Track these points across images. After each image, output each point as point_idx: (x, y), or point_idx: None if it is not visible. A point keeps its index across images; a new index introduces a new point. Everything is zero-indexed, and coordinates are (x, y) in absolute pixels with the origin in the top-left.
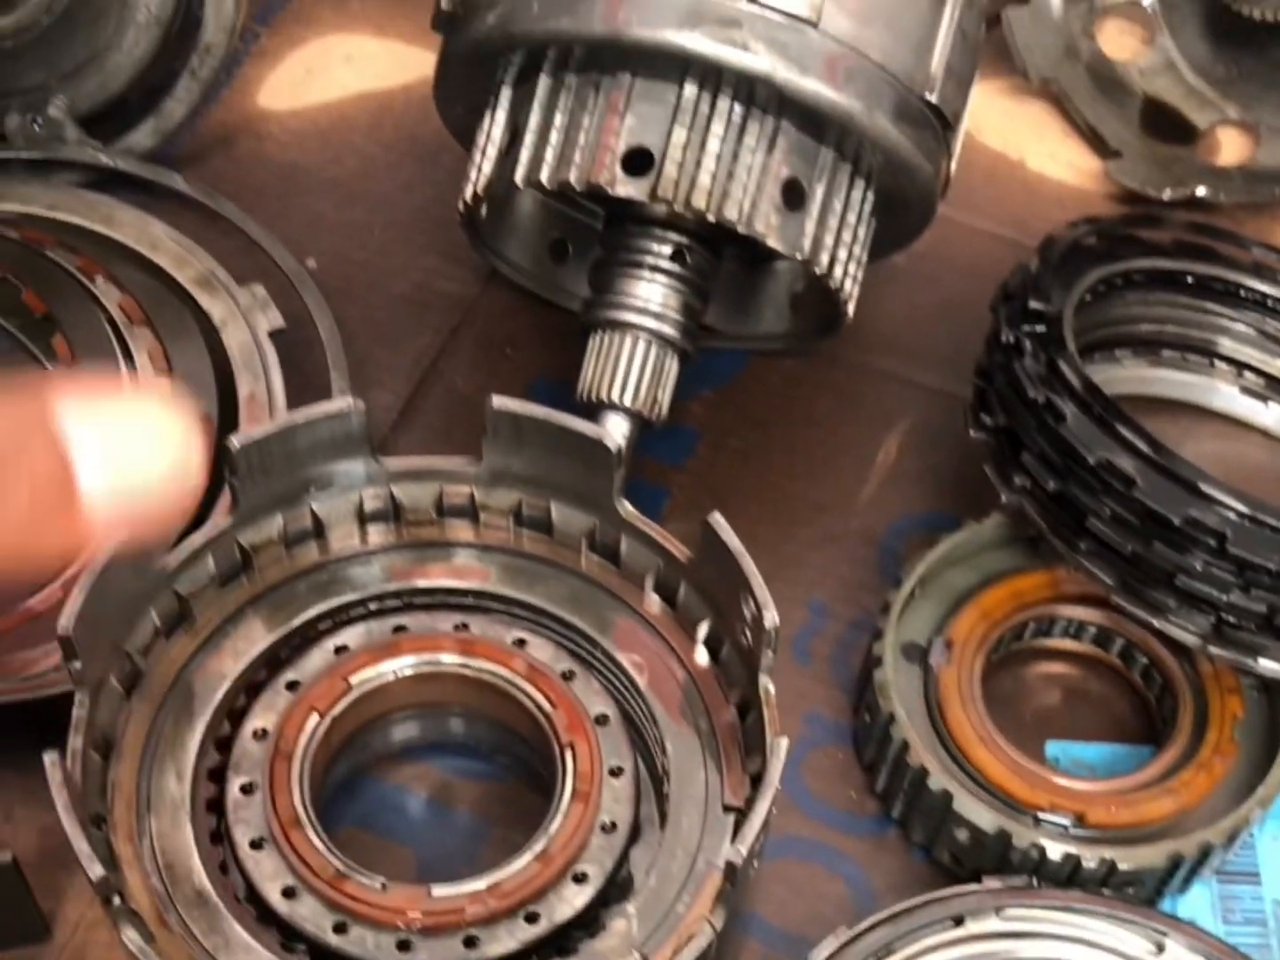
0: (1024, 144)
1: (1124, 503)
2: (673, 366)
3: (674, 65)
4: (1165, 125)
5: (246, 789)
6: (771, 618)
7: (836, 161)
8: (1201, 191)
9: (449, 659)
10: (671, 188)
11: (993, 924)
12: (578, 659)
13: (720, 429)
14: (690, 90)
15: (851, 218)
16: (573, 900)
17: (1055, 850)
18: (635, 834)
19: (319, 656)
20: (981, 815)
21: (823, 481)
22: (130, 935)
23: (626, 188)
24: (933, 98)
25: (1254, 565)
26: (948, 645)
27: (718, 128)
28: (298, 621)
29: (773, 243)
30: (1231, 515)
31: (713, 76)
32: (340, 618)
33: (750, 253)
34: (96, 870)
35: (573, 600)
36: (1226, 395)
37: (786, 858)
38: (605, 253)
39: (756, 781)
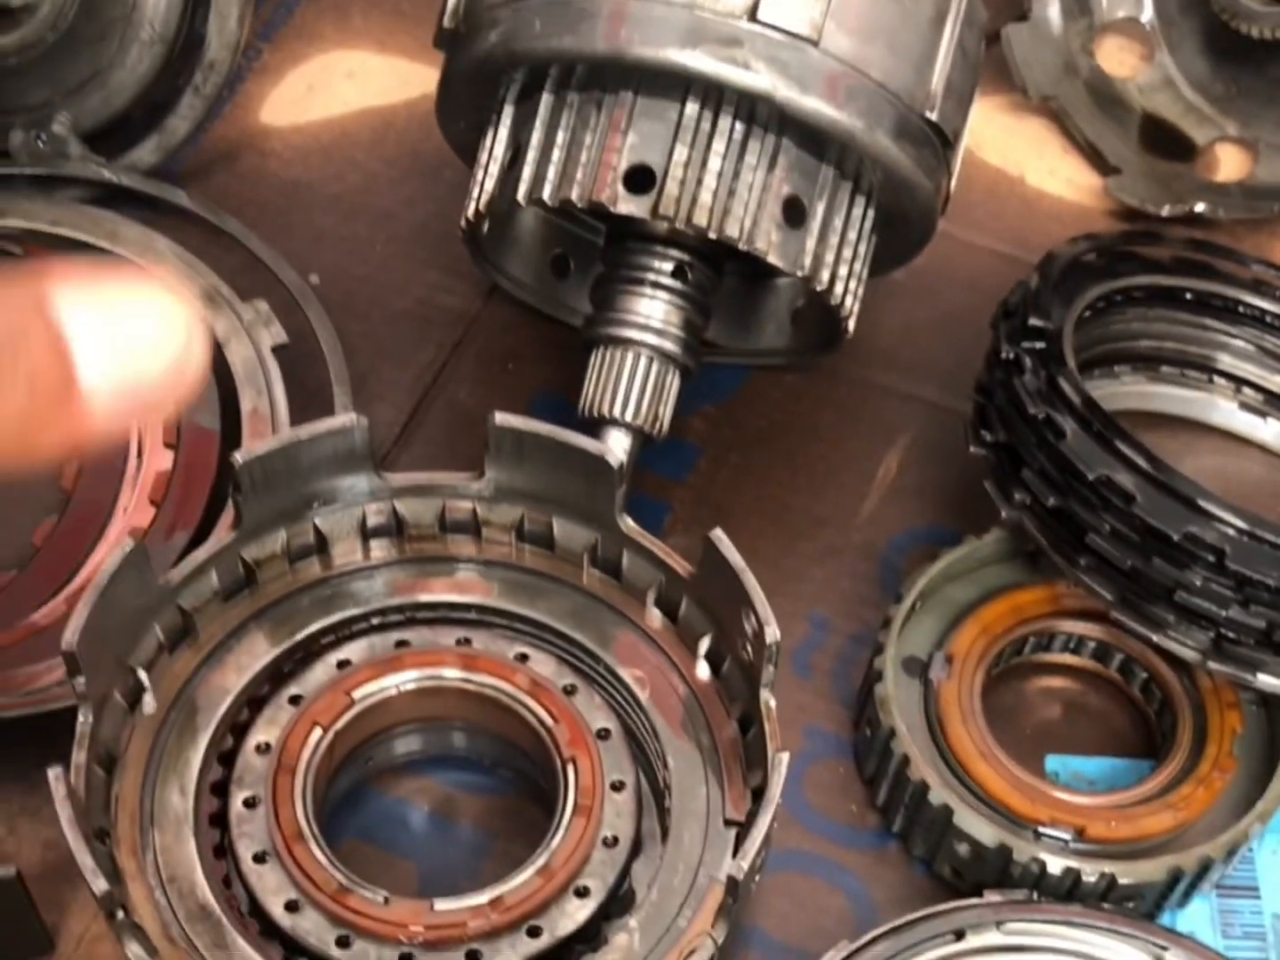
0: (1024, 160)
1: (1123, 518)
2: (674, 382)
3: (676, 84)
4: (1164, 142)
5: (249, 803)
6: (773, 633)
7: (837, 179)
8: (1200, 208)
9: (451, 674)
10: (673, 205)
11: (993, 938)
12: (579, 674)
13: (721, 444)
14: (692, 108)
15: (852, 235)
16: (575, 914)
17: (1055, 864)
18: (637, 848)
19: (322, 671)
20: (982, 829)
21: (824, 496)
22: (134, 949)
23: (628, 205)
24: (933, 115)
25: (1253, 581)
26: (948, 660)
27: (719, 145)
28: (300, 636)
29: (773, 260)
30: (1230, 531)
31: (714, 95)
32: (343, 632)
33: (751, 269)
34: (100, 884)
35: (574, 615)
36: (1225, 411)
37: (788, 871)
38: (607, 269)
39: (758, 796)
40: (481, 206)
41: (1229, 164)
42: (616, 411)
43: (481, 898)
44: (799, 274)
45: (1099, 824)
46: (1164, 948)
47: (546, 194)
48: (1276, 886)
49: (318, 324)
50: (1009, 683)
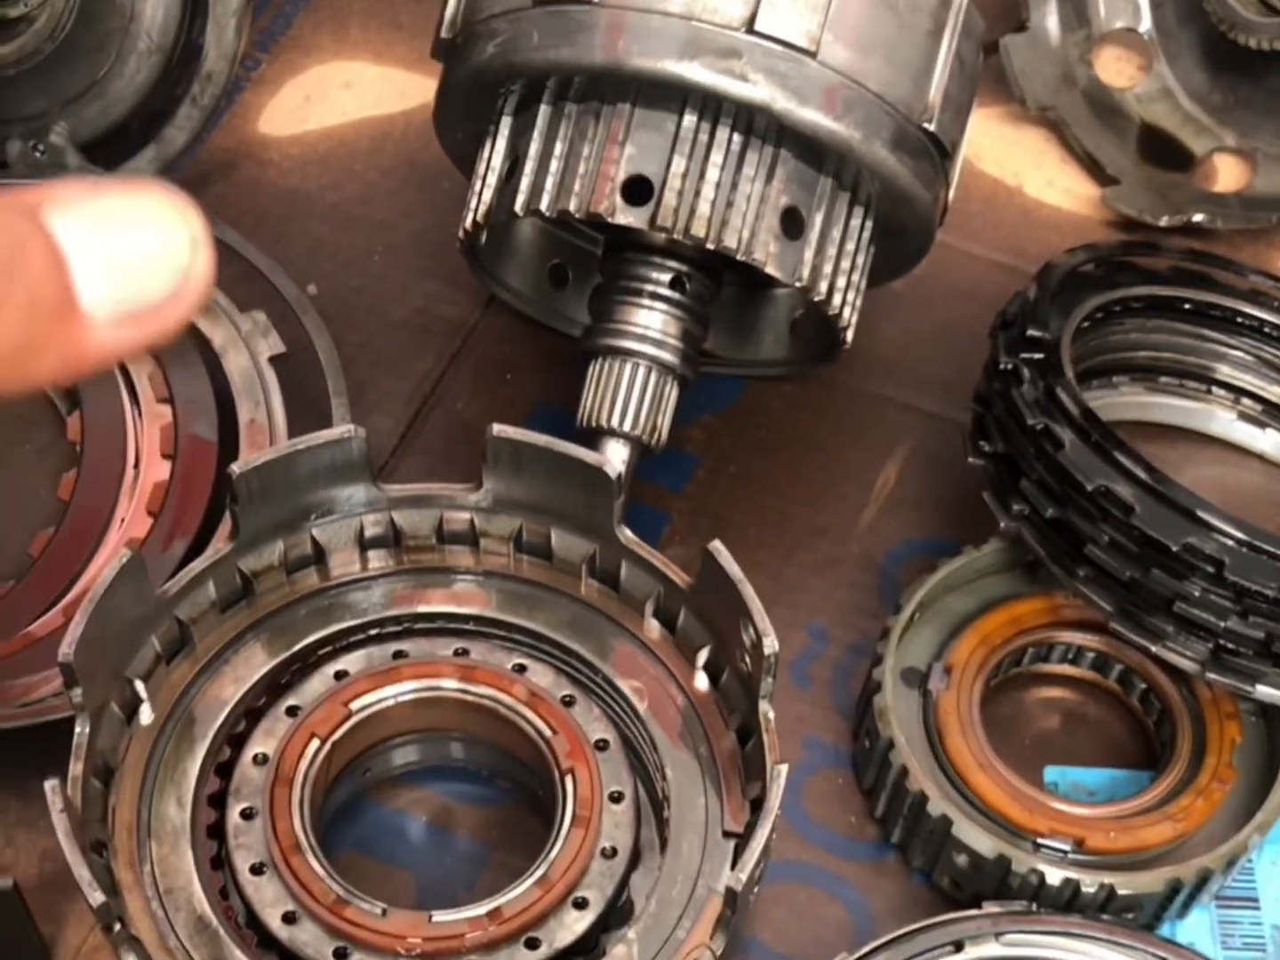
0: (1022, 171)
1: (1122, 529)
2: (672, 393)
3: (674, 95)
4: (1162, 152)
5: (247, 814)
6: (771, 645)
7: (835, 190)
8: (1199, 218)
9: (449, 684)
10: (671, 216)
11: (992, 949)
12: (578, 684)
13: (720, 454)
14: (690, 120)
15: (850, 245)
16: (573, 926)
17: (1054, 875)
18: (635, 859)
19: (319, 682)
20: (981, 840)
21: (822, 507)
22: None
23: (626, 216)
24: (931, 126)
25: (1251, 592)
26: (947, 670)
27: (717, 157)
28: (298, 647)
29: (772, 270)
30: (1229, 542)
31: (712, 106)
32: (340, 643)
33: (750, 279)
34: (97, 896)
35: (573, 626)
36: (1224, 421)
37: (786, 882)
38: (605, 280)
39: (756, 807)
40: (479, 217)
41: (1227, 174)
42: (615, 422)
43: (480, 909)
44: (797, 285)
45: (1098, 835)
46: (1163, 959)
47: (544, 205)
48: (1276, 898)
49: (315, 334)
50: (1008, 693)
